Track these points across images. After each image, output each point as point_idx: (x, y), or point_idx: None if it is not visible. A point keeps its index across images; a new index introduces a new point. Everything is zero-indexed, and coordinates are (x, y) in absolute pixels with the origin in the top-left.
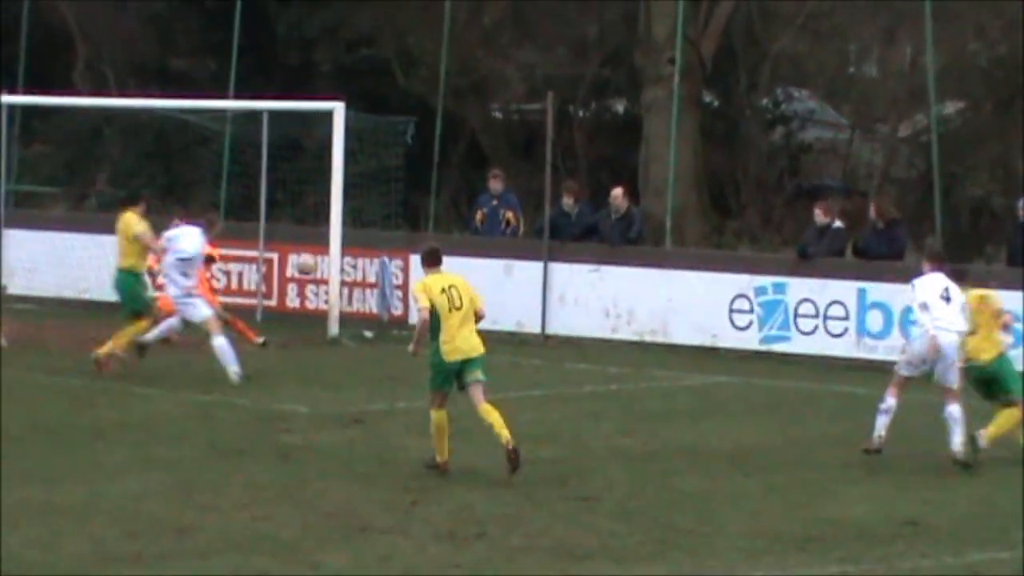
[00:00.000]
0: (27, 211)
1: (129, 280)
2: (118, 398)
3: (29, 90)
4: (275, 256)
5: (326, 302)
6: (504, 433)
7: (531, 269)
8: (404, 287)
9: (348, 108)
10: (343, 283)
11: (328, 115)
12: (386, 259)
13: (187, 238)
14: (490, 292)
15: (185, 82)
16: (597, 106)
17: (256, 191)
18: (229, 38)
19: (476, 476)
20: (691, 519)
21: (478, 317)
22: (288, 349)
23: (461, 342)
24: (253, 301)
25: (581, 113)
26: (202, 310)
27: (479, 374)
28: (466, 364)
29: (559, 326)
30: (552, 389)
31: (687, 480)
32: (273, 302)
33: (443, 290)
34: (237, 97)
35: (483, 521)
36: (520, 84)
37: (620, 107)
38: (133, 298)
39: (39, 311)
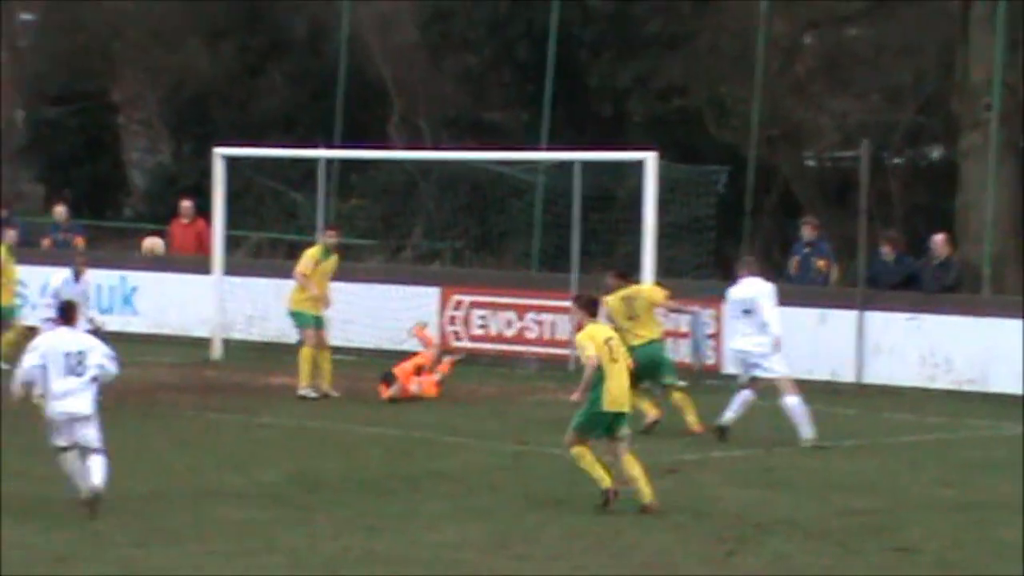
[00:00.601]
0: (344, 264)
1: (658, 350)
2: (434, 448)
3: (346, 145)
4: None
5: None
6: (646, 491)
7: (845, 318)
8: (717, 337)
9: (660, 158)
10: None
11: (640, 165)
12: (698, 309)
13: (747, 287)
14: (804, 341)
15: (498, 134)
16: (912, 153)
17: (568, 241)
18: (541, 90)
19: (792, 526)
20: (1013, 571)
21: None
22: None
23: (619, 393)
24: (566, 352)
25: (896, 160)
26: (778, 367)
27: (626, 428)
28: (619, 416)
29: (875, 375)
30: (868, 439)
31: (1009, 531)
32: None
33: (605, 341)
34: (550, 148)
35: (800, 572)
36: (833, 132)
37: (936, 153)
38: (667, 368)
39: (357, 362)
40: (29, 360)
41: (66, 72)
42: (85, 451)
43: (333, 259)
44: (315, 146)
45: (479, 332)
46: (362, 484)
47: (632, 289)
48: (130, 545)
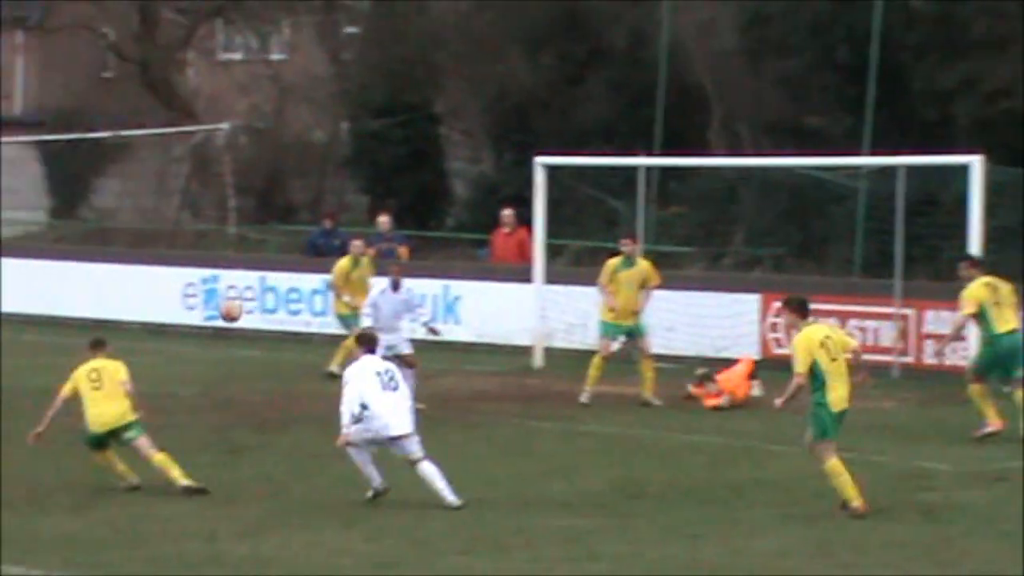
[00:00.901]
0: (664, 271)
1: (1019, 340)
2: (756, 456)
3: (666, 152)
4: (912, 313)
5: (964, 359)
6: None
7: None
8: None
9: (987, 161)
10: None
11: (965, 169)
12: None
13: None
14: None
15: (819, 139)
16: None
17: (891, 247)
18: (863, 94)
19: None
20: None
21: (855, 354)
22: (927, 407)
23: (843, 392)
24: (889, 358)
25: None
26: None
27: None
28: (842, 414)
29: None
30: None
31: None
32: (911, 359)
33: (821, 343)
34: (872, 153)
35: None
36: None
37: None
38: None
39: (676, 370)
40: (347, 394)
41: (389, 84)
42: (412, 461)
43: (638, 268)
44: (635, 154)
45: None
46: (685, 492)
47: (991, 278)
48: (455, 552)
